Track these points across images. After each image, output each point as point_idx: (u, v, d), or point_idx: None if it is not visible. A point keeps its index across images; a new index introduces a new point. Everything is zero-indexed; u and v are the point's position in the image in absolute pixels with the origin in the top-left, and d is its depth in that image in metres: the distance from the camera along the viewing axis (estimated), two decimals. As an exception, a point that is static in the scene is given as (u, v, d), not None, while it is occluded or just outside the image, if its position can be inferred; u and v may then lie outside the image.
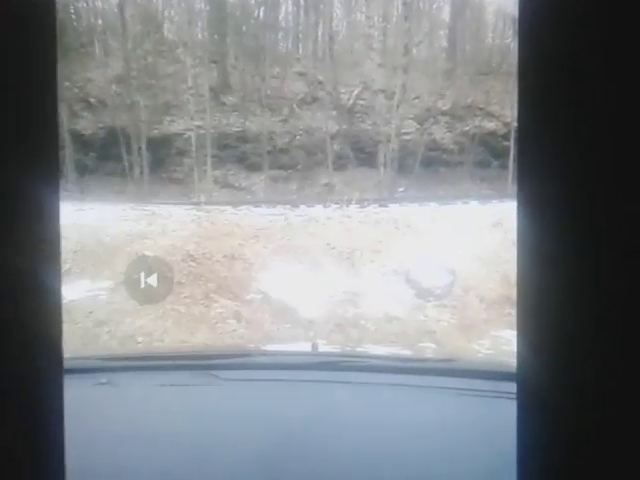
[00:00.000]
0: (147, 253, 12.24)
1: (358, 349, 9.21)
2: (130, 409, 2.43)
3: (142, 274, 10.33)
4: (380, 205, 17.72)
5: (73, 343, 8.44)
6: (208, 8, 26.52)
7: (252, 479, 1.89)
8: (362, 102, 24.29)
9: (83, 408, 2.09)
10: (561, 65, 0.81)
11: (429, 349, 9.37)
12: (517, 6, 0.83)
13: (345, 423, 2.27)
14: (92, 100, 23.50)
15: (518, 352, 0.87)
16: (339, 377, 2.79)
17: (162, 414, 2.40)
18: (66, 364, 0.88)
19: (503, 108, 22.56)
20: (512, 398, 1.93)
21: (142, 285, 10.23)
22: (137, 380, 2.82)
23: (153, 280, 10.31)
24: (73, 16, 25.22)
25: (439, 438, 2.14)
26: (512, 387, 2.05)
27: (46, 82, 0.84)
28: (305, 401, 2.51)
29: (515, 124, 20.87)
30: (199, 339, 9.64)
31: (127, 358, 3.69)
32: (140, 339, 9.50)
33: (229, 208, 17.57)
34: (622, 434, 0.81)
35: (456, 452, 2.03)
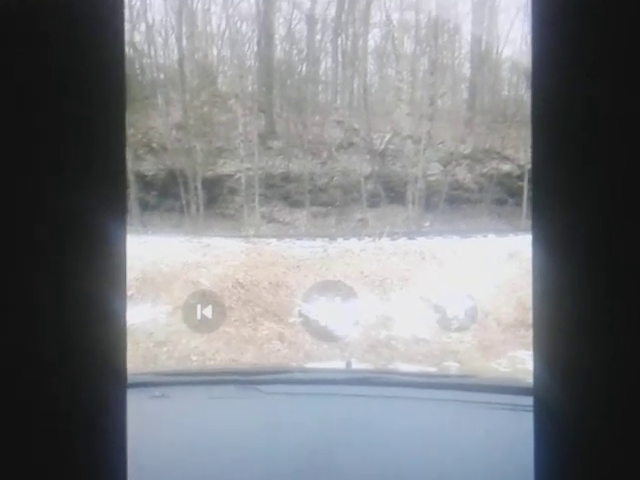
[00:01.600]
0: (202, 281, 12.28)
1: (389, 367, 9.21)
2: (182, 419, 2.44)
3: (199, 306, 10.35)
4: (408, 238, 17.69)
5: (135, 362, 8.46)
6: (257, 64, 26.73)
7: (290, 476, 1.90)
8: (392, 147, 24.31)
9: (140, 418, 2.12)
10: (570, 108, 0.81)
11: (452, 367, 9.33)
12: (530, 59, 0.84)
13: (375, 432, 2.27)
14: (154, 145, 23.72)
15: (534, 369, 0.87)
16: (370, 391, 2.79)
17: (211, 423, 2.42)
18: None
19: (517, 152, 22.55)
20: (527, 410, 1.90)
21: (198, 317, 10.24)
22: (189, 393, 2.84)
23: (208, 312, 10.32)
24: (138, 71, 25.49)
25: (461, 445, 2.14)
26: (527, 400, 1.99)
27: (115, 129, 0.85)
28: (339, 412, 2.49)
29: (528, 166, 20.96)
30: (247, 358, 9.63)
31: (180, 374, 3.73)
32: (195, 358, 9.52)
33: (274, 240, 17.66)
34: (637, 447, 0.79)
35: (476, 459, 2.02)
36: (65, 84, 0.80)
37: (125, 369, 0.87)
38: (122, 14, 0.86)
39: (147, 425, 2.18)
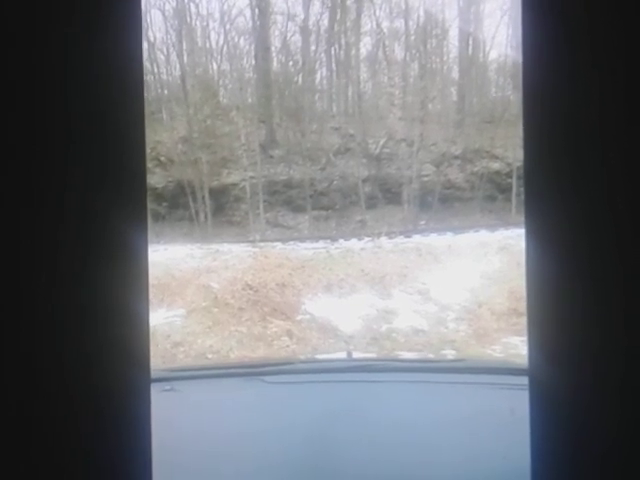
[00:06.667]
0: (213, 284, 12.37)
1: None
2: (189, 410, 2.45)
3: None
4: (405, 236, 17.86)
5: (155, 361, 8.58)
6: (255, 76, 26.54)
7: (296, 463, 1.91)
8: (387, 150, 24.09)
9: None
10: (560, 107, 0.87)
11: (450, 355, 9.37)
12: (519, 60, 0.93)
13: (373, 414, 2.28)
14: (162, 158, 23.52)
15: (529, 351, 0.92)
16: (369, 377, 2.79)
17: (218, 413, 2.44)
18: None
19: (506, 151, 22.07)
20: (516, 389, 2.08)
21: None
22: (197, 387, 2.84)
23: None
24: (143, 88, 25.41)
25: (461, 422, 2.16)
26: (517, 380, 2.20)
27: (136, 145, 0.88)
28: (340, 397, 2.49)
29: (516, 164, 20.83)
30: (258, 354, 9.72)
31: (189, 369, 3.76)
32: (210, 356, 9.62)
33: (279, 244, 17.82)
34: (626, 422, 0.86)
35: (476, 432, 2.06)
36: (88, 102, 0.84)
37: (149, 364, 0.90)
38: (140, 24, 0.89)
39: (157, 416, 2.24)
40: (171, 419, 2.15)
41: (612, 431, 0.87)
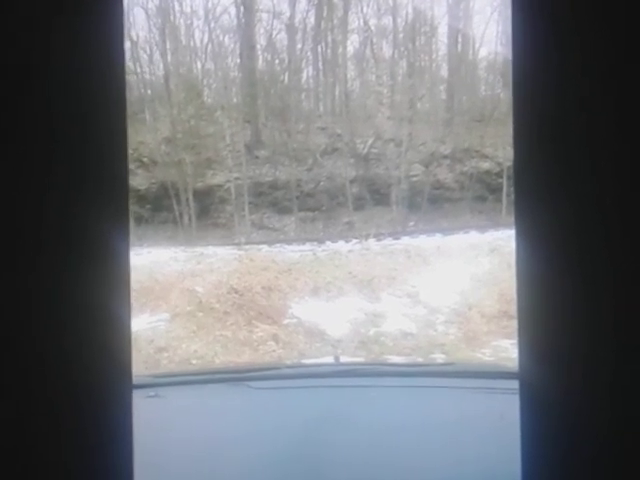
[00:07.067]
0: (197, 288, 12.35)
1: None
2: (174, 416, 2.45)
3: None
4: (394, 238, 17.90)
5: (138, 367, 8.55)
6: (240, 75, 26.54)
7: (282, 470, 1.91)
8: (375, 150, 24.14)
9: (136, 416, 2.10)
10: (550, 108, 0.87)
11: (439, 359, 9.38)
12: (508, 59, 0.92)
13: (361, 419, 2.28)
14: (145, 159, 23.49)
15: (519, 354, 0.92)
16: (355, 382, 2.80)
17: (202, 419, 2.43)
18: None
19: (496, 150, 22.33)
20: (507, 393, 2.08)
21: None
22: (181, 393, 2.84)
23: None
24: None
25: (449, 426, 2.17)
26: (507, 384, 2.21)
27: (117, 148, 0.88)
28: (326, 403, 2.49)
29: (507, 164, 20.86)
30: (244, 359, 9.69)
31: (174, 375, 3.80)
32: (195, 362, 9.57)
33: (265, 247, 17.80)
34: (616, 424, 0.87)
35: (461, 438, 2.05)
36: (70, 102, 0.84)
37: (130, 369, 0.90)
38: (121, 23, 0.88)
39: (142, 422, 2.21)
40: (155, 425, 2.16)
41: (603, 433, 0.87)
